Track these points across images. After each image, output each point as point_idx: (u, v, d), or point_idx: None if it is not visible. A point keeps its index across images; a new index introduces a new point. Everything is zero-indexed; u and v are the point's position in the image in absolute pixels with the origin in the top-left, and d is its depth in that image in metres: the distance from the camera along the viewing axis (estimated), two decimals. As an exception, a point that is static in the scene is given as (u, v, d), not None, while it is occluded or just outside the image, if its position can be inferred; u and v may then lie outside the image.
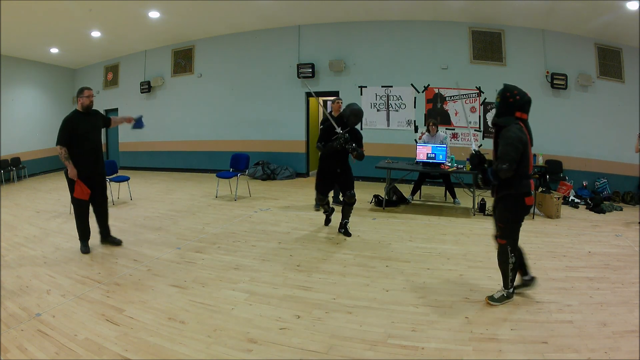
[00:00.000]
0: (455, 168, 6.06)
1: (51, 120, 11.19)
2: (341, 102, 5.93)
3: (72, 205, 4.45)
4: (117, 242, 4.57)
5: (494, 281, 3.45)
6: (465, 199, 6.63)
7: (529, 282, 3.15)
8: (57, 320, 2.81)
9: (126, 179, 6.98)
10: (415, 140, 8.29)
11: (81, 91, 4.23)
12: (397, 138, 8.52)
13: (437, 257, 4.06)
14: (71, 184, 4.18)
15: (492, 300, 3.03)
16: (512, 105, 2.82)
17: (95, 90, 11.35)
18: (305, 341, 2.56)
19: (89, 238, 4.37)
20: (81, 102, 4.20)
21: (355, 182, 6.33)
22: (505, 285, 3.04)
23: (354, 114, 4.55)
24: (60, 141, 4.06)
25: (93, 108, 4.33)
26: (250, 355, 2.42)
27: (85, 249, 4.30)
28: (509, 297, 3.05)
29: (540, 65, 7.72)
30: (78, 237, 4.34)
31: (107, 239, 4.56)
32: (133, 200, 6.92)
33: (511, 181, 2.81)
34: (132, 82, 10.88)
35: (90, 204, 4.34)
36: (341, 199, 5.96)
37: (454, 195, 6.58)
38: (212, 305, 3.07)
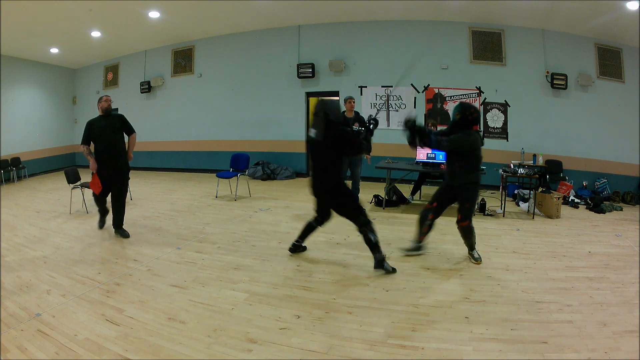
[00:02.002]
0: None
1: (51, 120, 11.21)
2: (354, 101, 5.93)
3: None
4: (125, 235, 4.90)
5: (494, 281, 3.46)
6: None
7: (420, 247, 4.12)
8: (57, 320, 2.81)
9: (126, 179, 6.98)
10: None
11: (100, 98, 4.95)
12: (397, 138, 8.48)
13: (437, 257, 4.06)
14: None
15: (475, 259, 3.90)
16: (470, 122, 3.67)
17: (95, 90, 11.47)
18: (305, 341, 2.56)
19: (106, 215, 5.12)
20: (100, 106, 4.88)
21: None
22: (472, 248, 3.95)
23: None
24: (82, 141, 4.78)
25: (116, 112, 5.08)
26: (250, 355, 2.43)
27: (101, 224, 5.14)
28: (479, 257, 3.92)
29: (540, 65, 7.72)
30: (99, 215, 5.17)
31: (119, 230, 4.93)
32: (133, 200, 6.91)
33: (470, 173, 3.71)
34: (132, 82, 10.87)
35: (105, 196, 4.90)
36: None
37: None
38: (212, 305, 3.07)
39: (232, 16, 8.54)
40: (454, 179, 3.76)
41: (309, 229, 3.98)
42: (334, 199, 3.65)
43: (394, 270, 3.63)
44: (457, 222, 3.84)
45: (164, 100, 10.60)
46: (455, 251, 4.25)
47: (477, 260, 3.88)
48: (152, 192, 7.84)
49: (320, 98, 3.83)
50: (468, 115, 3.65)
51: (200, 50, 10.10)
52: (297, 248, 4.09)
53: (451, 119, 3.86)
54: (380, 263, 3.61)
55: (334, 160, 3.57)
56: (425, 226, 3.97)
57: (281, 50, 9.24)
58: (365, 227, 3.59)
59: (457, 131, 3.66)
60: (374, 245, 3.59)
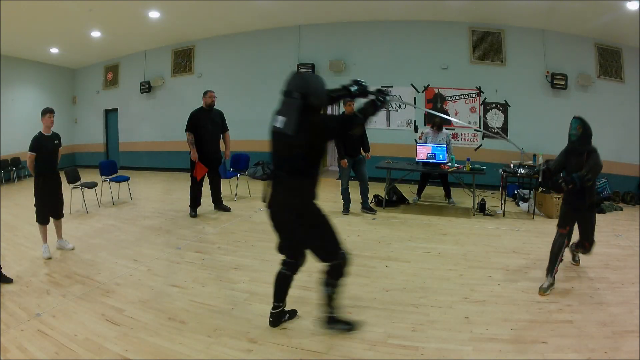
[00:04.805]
0: (455, 168, 6.06)
1: (51, 120, 11.19)
2: (353, 104, 5.77)
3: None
4: (227, 209, 5.97)
5: (494, 281, 3.46)
6: (465, 199, 6.63)
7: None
8: (57, 320, 2.81)
9: (126, 179, 6.98)
10: (415, 140, 8.28)
11: (205, 92, 5.70)
12: (397, 138, 8.51)
13: (437, 257, 4.06)
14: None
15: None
16: (591, 135, 3.42)
17: (95, 90, 11.47)
18: (305, 341, 2.56)
19: (197, 207, 5.79)
20: (204, 101, 5.68)
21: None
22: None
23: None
24: (187, 129, 5.63)
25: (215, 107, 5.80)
26: (250, 355, 2.42)
27: (193, 214, 5.71)
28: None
29: (540, 65, 7.72)
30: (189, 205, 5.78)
31: (219, 205, 6.00)
32: (133, 200, 6.91)
33: (593, 192, 3.39)
34: (132, 82, 10.87)
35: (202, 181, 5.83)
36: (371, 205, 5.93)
37: (449, 195, 6.57)
38: (212, 305, 3.07)
39: (232, 16, 8.54)
40: (584, 200, 3.39)
41: (283, 284, 2.71)
42: (304, 227, 2.44)
43: (350, 327, 2.63)
44: (584, 248, 3.58)
45: (164, 100, 10.60)
46: (456, 251, 4.25)
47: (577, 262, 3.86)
48: (152, 192, 7.84)
49: (295, 71, 2.50)
50: (588, 129, 3.42)
51: (200, 50, 10.10)
52: (279, 316, 2.72)
53: (570, 134, 3.58)
54: (328, 320, 2.61)
55: (308, 166, 2.40)
56: (561, 255, 3.40)
57: (281, 50, 9.24)
58: (330, 276, 2.50)
59: (579, 147, 3.44)
60: (326, 299, 2.56)
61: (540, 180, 3.62)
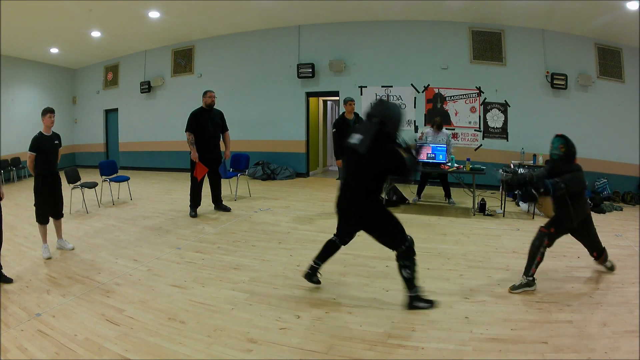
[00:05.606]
0: (455, 168, 6.06)
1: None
2: (354, 103, 5.76)
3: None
4: (227, 209, 6.00)
5: (494, 281, 3.46)
6: (465, 198, 6.62)
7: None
8: (57, 320, 2.81)
9: (126, 179, 6.98)
10: (415, 139, 8.26)
11: (205, 93, 5.70)
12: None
13: (437, 257, 4.06)
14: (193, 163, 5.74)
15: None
16: (574, 154, 3.30)
17: (95, 90, 11.48)
18: (305, 341, 2.56)
19: (198, 206, 5.82)
20: (204, 101, 5.69)
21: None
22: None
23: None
24: (188, 129, 5.61)
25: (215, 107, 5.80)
26: (250, 355, 2.43)
27: (193, 214, 5.72)
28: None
29: (540, 65, 7.72)
30: (189, 205, 5.81)
31: (220, 206, 6.02)
32: (133, 200, 6.91)
33: (583, 209, 3.40)
34: (132, 82, 10.88)
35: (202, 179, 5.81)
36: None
37: (449, 195, 6.57)
38: (212, 305, 3.07)
39: (232, 16, 8.54)
40: (572, 220, 3.33)
41: (330, 249, 3.19)
42: (369, 220, 2.92)
43: (430, 304, 2.99)
44: (596, 259, 3.60)
45: (164, 100, 10.61)
46: (456, 251, 4.25)
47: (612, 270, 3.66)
48: (152, 192, 7.83)
49: (380, 98, 2.83)
50: (572, 147, 3.25)
51: (200, 50, 10.10)
52: (314, 272, 3.23)
53: (552, 153, 3.33)
54: (410, 301, 2.97)
55: (374, 181, 2.85)
56: (539, 255, 3.30)
57: (281, 50, 9.25)
58: (402, 259, 2.91)
59: (562, 167, 3.24)
60: (406, 281, 2.96)
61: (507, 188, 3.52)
